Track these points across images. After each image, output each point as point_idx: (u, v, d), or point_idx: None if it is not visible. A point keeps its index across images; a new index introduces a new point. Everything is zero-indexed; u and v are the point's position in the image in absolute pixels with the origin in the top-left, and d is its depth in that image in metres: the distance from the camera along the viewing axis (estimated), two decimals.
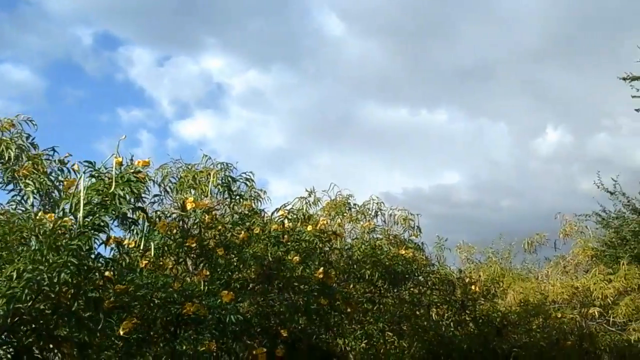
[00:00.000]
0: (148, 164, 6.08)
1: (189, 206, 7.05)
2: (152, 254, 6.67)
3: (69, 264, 4.88)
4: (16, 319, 4.99)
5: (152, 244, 6.63)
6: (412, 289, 10.43)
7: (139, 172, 5.42)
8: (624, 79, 15.56)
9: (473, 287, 11.04)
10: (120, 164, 5.48)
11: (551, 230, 14.55)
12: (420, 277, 10.21)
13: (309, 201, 9.88)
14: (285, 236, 7.80)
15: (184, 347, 6.61)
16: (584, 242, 13.82)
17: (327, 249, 8.58)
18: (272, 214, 8.29)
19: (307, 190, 9.83)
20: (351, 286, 9.42)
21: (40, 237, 5.10)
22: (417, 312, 10.65)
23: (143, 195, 6.84)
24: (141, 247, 6.50)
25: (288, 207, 8.39)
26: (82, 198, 5.03)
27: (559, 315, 12.35)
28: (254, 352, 6.95)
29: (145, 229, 6.54)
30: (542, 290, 12.85)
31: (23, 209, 6.21)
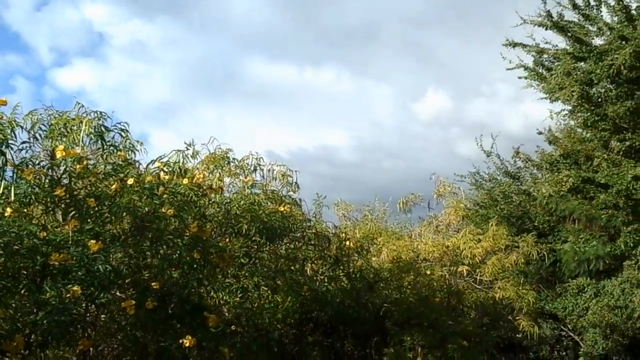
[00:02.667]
0: (4, 103, 5.91)
1: (58, 154, 6.93)
2: (12, 198, 6.51)
3: None
4: None
5: (12, 190, 6.47)
6: (288, 244, 10.66)
7: None
8: (506, 45, 16.33)
9: (347, 243, 11.44)
10: None
11: (428, 191, 15.24)
12: (296, 233, 10.45)
13: (187, 154, 9.83)
14: (160, 188, 7.79)
15: (49, 295, 6.54)
16: (456, 203, 14.58)
17: (204, 202, 8.64)
18: (147, 165, 8.26)
19: (185, 143, 9.78)
20: (227, 240, 9.53)
21: None
22: (292, 267, 10.92)
23: (10, 141, 6.68)
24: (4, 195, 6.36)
25: (164, 159, 8.36)
26: None
27: (429, 273, 13.06)
28: (122, 304, 7.00)
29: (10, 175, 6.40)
30: (415, 248, 13.52)
31: None
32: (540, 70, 16.45)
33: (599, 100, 15.54)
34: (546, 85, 16.00)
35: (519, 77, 16.62)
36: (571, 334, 17.97)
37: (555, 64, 15.97)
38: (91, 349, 8.11)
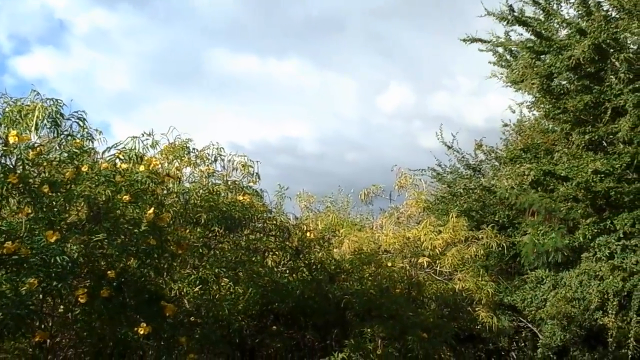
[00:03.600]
0: None
1: (11, 139, 6.84)
2: None
3: None
4: None
5: None
6: (249, 235, 10.67)
7: None
8: (464, 40, 16.53)
9: (309, 234, 11.49)
10: None
11: (390, 183, 15.35)
12: (257, 224, 10.47)
13: (146, 144, 9.76)
14: (117, 176, 7.74)
15: (4, 288, 6.49)
16: (417, 195, 14.71)
17: (161, 190, 8.60)
18: (104, 153, 8.21)
19: (144, 133, 9.71)
20: (187, 231, 9.50)
21: None
22: (253, 259, 10.94)
23: None
24: None
25: (121, 147, 8.30)
26: None
27: (390, 264, 13.16)
28: (76, 292, 6.96)
29: None
30: (376, 240, 13.63)
31: None
32: (507, 56, 16.66)
33: (560, 93, 15.81)
34: (510, 75, 16.24)
35: (489, 62, 16.76)
36: (530, 326, 18.24)
37: (519, 55, 16.20)
38: (48, 340, 8.05)
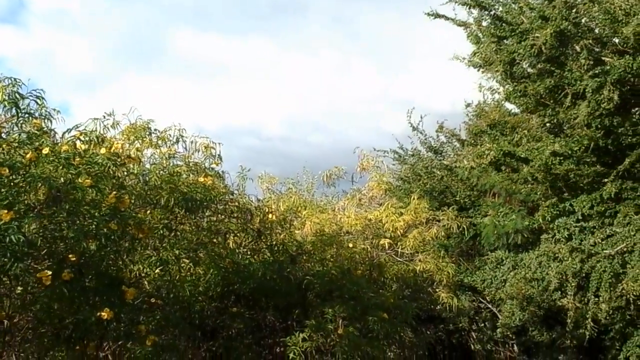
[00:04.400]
0: None
1: None
2: None
3: None
4: None
5: None
6: (210, 217, 10.72)
7: None
8: (429, 14, 16.59)
9: (270, 216, 11.59)
10: None
11: (353, 165, 15.48)
12: (219, 205, 10.52)
13: (107, 125, 9.75)
14: (77, 158, 7.74)
15: None
16: (379, 177, 14.87)
17: (122, 173, 8.62)
18: (63, 134, 8.19)
19: (105, 113, 9.70)
20: (148, 212, 9.53)
21: None
22: (215, 240, 11.01)
23: None
24: None
25: (81, 128, 8.30)
26: None
27: (352, 246, 13.34)
28: (38, 274, 6.98)
29: None
30: (338, 221, 13.79)
31: None
32: (477, 33, 16.81)
33: (522, 76, 16.05)
34: (472, 59, 16.43)
35: (468, 37, 16.84)
36: (489, 306, 18.68)
37: (482, 39, 16.37)
38: (6, 321, 8.08)
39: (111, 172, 8.16)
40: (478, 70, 16.41)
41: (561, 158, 15.28)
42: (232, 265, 11.44)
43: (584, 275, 14.83)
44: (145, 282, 10.06)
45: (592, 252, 14.58)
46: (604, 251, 14.37)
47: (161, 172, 9.52)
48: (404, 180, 20.43)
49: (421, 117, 20.64)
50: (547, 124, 16.30)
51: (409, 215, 13.84)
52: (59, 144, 7.97)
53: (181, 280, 10.65)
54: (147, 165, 9.99)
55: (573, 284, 14.78)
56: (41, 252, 7.68)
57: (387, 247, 13.76)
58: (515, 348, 18.85)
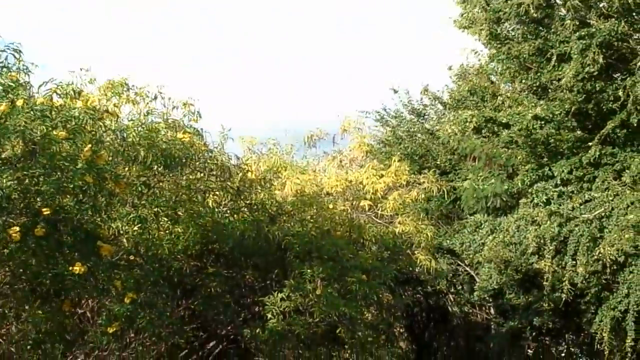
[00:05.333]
0: None
1: None
2: None
3: None
4: None
5: None
6: (189, 175, 10.66)
7: None
8: None
9: (250, 174, 11.56)
10: None
11: (335, 127, 15.49)
12: (198, 163, 10.45)
13: (84, 79, 9.64)
14: (53, 112, 7.65)
15: None
16: (360, 138, 14.88)
17: (99, 127, 8.53)
18: (39, 87, 8.07)
19: (82, 68, 9.57)
20: (125, 169, 9.46)
21: None
22: (194, 198, 10.96)
23: None
24: None
25: (58, 82, 8.18)
26: None
27: (332, 207, 13.37)
28: (9, 230, 6.94)
29: None
30: (318, 182, 13.81)
31: None
32: None
33: (506, 38, 16.04)
34: (459, 20, 16.37)
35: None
36: (467, 269, 18.87)
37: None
38: None
39: (88, 127, 8.07)
40: (464, 31, 16.34)
41: (542, 122, 15.37)
42: (212, 224, 11.41)
43: (561, 239, 15.04)
44: (124, 240, 10.03)
45: (570, 216, 14.78)
46: (582, 216, 14.57)
47: (139, 128, 9.42)
48: (385, 143, 20.46)
49: (407, 90, 20.63)
50: (530, 88, 16.34)
51: (390, 178, 13.90)
52: (35, 97, 7.86)
53: (160, 238, 10.63)
54: (125, 121, 9.88)
55: (551, 248, 14.99)
56: (17, 207, 7.62)
57: (367, 208, 13.83)
58: (492, 310, 19.12)
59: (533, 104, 15.84)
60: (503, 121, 15.94)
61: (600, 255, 13.95)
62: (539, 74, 15.72)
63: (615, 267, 14.71)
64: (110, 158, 8.71)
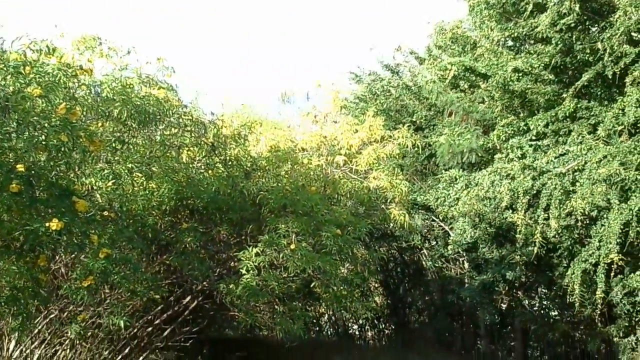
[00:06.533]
0: None
1: None
2: None
3: None
4: None
5: None
6: (163, 130, 10.76)
7: None
8: None
9: (224, 130, 11.69)
10: None
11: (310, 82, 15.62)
12: (172, 119, 10.55)
13: (56, 33, 9.66)
14: (27, 68, 7.71)
15: None
16: (334, 93, 15.01)
17: (73, 84, 8.60)
18: (12, 43, 8.11)
19: (55, 26, 9.59)
20: (100, 125, 9.54)
21: None
22: (168, 154, 11.08)
23: None
24: None
25: (31, 37, 8.23)
26: None
27: (306, 162, 13.56)
28: None
29: None
30: (293, 138, 13.97)
31: None
32: None
33: None
34: None
35: None
36: (442, 224, 19.30)
37: None
38: None
39: (62, 83, 8.14)
40: None
41: (519, 75, 15.64)
42: (186, 180, 11.58)
43: (535, 192, 15.38)
44: (98, 195, 10.16)
45: (544, 169, 15.09)
46: (556, 169, 14.88)
47: (113, 83, 9.48)
48: (360, 99, 20.66)
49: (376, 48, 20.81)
50: (508, 39, 16.59)
51: (364, 132, 14.07)
52: (8, 53, 7.90)
53: (134, 194, 10.78)
54: (99, 77, 9.93)
55: (524, 201, 15.33)
56: None
57: (341, 164, 14.03)
58: (466, 265, 19.60)
59: (512, 57, 16.10)
60: (482, 71, 16.18)
61: (572, 208, 14.28)
62: (517, 25, 15.94)
63: (587, 221, 15.15)
64: (84, 114, 8.80)
